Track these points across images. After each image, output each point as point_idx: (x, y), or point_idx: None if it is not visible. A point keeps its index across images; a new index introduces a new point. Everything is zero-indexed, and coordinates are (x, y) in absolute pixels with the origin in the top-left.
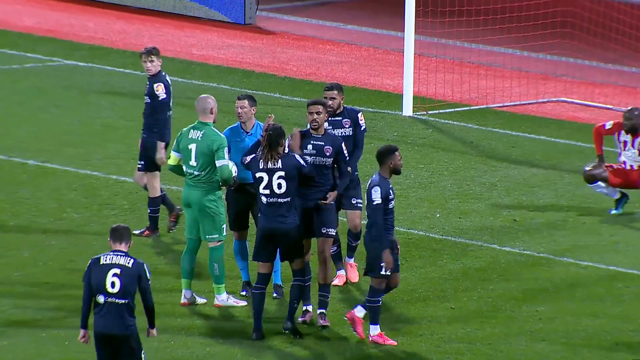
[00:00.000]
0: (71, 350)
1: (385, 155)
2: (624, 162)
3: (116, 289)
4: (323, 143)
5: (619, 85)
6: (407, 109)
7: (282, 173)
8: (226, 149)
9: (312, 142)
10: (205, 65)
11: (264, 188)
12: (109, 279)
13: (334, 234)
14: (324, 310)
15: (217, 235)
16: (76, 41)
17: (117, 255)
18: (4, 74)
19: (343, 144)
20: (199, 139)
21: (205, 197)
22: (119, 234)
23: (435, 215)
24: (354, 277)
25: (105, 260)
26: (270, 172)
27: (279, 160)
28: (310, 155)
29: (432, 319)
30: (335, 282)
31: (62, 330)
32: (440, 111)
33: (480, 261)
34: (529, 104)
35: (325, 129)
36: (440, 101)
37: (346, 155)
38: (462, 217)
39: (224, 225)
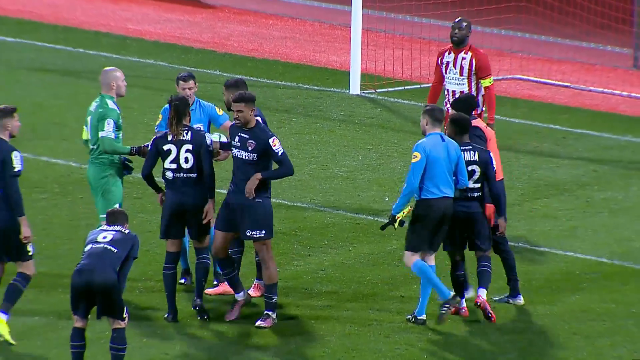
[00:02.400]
0: (32, 345)
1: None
2: (447, 93)
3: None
4: (247, 136)
5: (577, 61)
6: (355, 87)
7: (190, 147)
8: (109, 121)
9: (239, 134)
10: (141, 40)
11: (171, 162)
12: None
13: (263, 235)
14: (268, 312)
15: None
16: (3, 15)
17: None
18: None
19: (272, 140)
20: (94, 111)
21: (96, 172)
22: (114, 217)
23: (384, 199)
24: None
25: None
26: (179, 145)
27: (189, 133)
28: (235, 147)
29: (381, 308)
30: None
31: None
32: (390, 89)
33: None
34: None
35: (257, 123)
36: (389, 79)
37: (277, 150)
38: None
39: (117, 206)
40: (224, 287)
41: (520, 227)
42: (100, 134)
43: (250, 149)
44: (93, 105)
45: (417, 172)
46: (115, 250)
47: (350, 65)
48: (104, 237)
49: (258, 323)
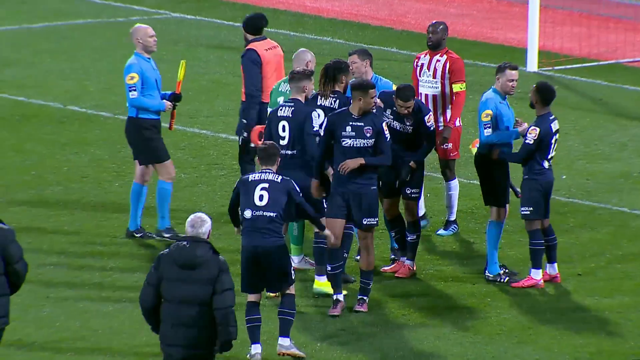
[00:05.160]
0: None
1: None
2: (420, 99)
3: (264, 202)
4: (362, 124)
5: None
6: (532, 65)
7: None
8: None
9: (350, 123)
10: (318, 18)
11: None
12: (257, 192)
13: (376, 223)
14: (364, 297)
15: None
16: None
17: (266, 172)
18: (110, 27)
19: (384, 124)
20: (287, 92)
21: None
22: (269, 153)
23: (561, 177)
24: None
25: (254, 177)
26: (326, 111)
27: (337, 100)
28: (350, 137)
29: (558, 285)
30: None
31: None
32: (567, 67)
33: (608, 225)
34: None
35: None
36: (566, 56)
37: (387, 135)
38: (589, 178)
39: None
40: (399, 266)
41: None
42: None
43: (368, 135)
44: (285, 87)
45: None
46: (274, 215)
47: (527, 42)
48: (261, 199)
49: (357, 308)
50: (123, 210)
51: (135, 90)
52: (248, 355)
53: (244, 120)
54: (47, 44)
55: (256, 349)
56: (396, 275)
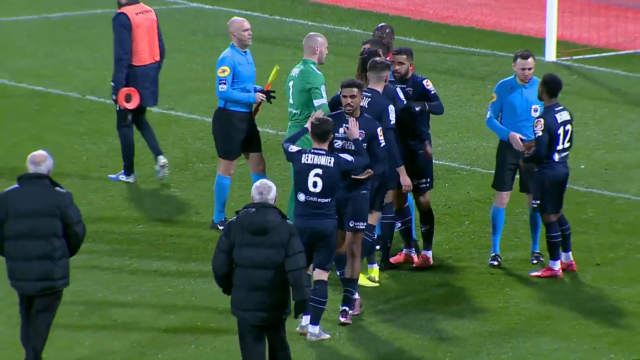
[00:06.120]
0: (194, 306)
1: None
2: None
3: (318, 189)
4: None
5: None
6: (550, 54)
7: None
8: (322, 88)
9: (344, 124)
10: (336, 7)
11: None
12: (311, 178)
13: (364, 227)
14: (346, 308)
15: None
16: None
17: (319, 154)
18: None
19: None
20: (296, 76)
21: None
22: (323, 130)
23: (579, 166)
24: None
25: (307, 160)
26: None
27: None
28: (342, 139)
29: (576, 274)
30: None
31: (188, 285)
32: (585, 57)
33: (627, 215)
34: None
35: (361, 112)
36: (585, 46)
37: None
38: (608, 168)
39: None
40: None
41: None
42: (318, 102)
43: (360, 139)
44: (295, 71)
45: None
46: (329, 200)
47: (545, 32)
48: (315, 185)
49: (342, 320)
50: (142, 199)
51: (225, 83)
52: (297, 328)
53: (112, 84)
54: (65, 33)
55: (307, 320)
56: (414, 265)
